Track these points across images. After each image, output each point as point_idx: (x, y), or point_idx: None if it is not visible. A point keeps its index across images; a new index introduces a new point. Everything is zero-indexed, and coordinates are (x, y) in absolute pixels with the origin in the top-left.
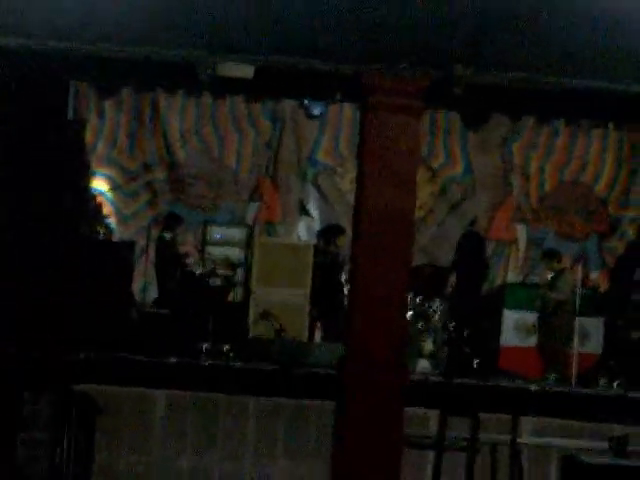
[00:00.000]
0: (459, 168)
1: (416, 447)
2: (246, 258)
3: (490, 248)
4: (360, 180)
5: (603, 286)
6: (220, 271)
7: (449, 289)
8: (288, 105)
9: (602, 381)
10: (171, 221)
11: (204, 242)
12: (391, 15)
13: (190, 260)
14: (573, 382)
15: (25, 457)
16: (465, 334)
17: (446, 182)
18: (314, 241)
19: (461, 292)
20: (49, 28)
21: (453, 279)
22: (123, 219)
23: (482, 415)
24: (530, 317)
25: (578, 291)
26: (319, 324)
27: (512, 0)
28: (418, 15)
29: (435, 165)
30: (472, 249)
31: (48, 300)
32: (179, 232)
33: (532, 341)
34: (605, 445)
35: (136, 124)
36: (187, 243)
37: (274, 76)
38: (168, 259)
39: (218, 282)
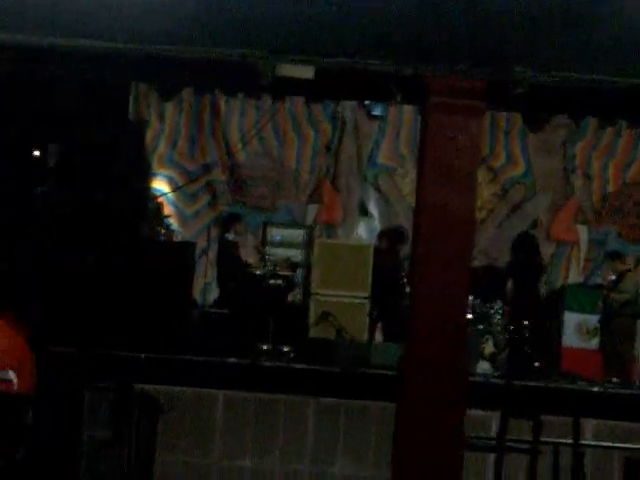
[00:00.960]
0: (520, 169)
1: (477, 450)
2: (306, 259)
3: (551, 249)
4: (420, 181)
5: None
6: (280, 272)
7: (507, 291)
8: (348, 106)
9: None
10: (231, 221)
11: (264, 243)
12: (451, 15)
13: (251, 261)
14: (636, 384)
15: (88, 457)
16: (526, 336)
17: (507, 183)
18: (374, 242)
19: (518, 294)
20: (112, 29)
21: (511, 281)
22: (184, 220)
23: (544, 417)
24: (592, 319)
25: None
26: (380, 325)
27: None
28: (478, 15)
29: (496, 166)
30: (527, 251)
31: (110, 301)
32: (240, 232)
33: (594, 343)
34: None
35: (196, 125)
36: (248, 244)
37: (334, 77)
38: (230, 260)
39: (278, 283)
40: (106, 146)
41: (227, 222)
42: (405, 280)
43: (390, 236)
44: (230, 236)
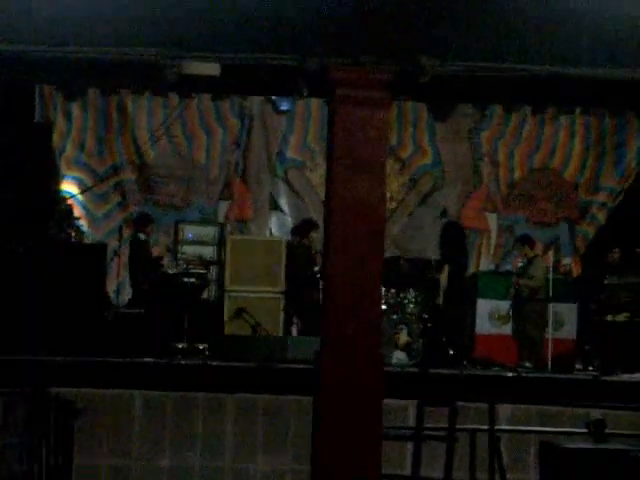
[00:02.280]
0: (428, 158)
1: (395, 439)
2: (219, 256)
3: None
4: (330, 174)
5: (575, 271)
6: (193, 270)
7: (442, 281)
8: (255, 102)
9: (578, 366)
10: (142, 221)
11: (176, 241)
12: (354, 8)
13: (163, 260)
14: (549, 368)
15: (3, 464)
16: (440, 324)
17: (416, 173)
18: (288, 237)
19: (452, 282)
20: (11, 30)
21: (446, 270)
22: (94, 221)
23: (460, 404)
24: (504, 305)
25: (551, 277)
26: (295, 319)
27: None
28: (382, 7)
29: (404, 156)
30: (454, 239)
31: (21, 303)
32: (151, 232)
33: (507, 329)
34: (583, 430)
35: (104, 126)
36: (159, 243)
37: (240, 73)
38: (142, 259)
39: (192, 281)
40: (12, 148)
41: (138, 222)
42: (318, 274)
43: (301, 229)
44: (142, 236)
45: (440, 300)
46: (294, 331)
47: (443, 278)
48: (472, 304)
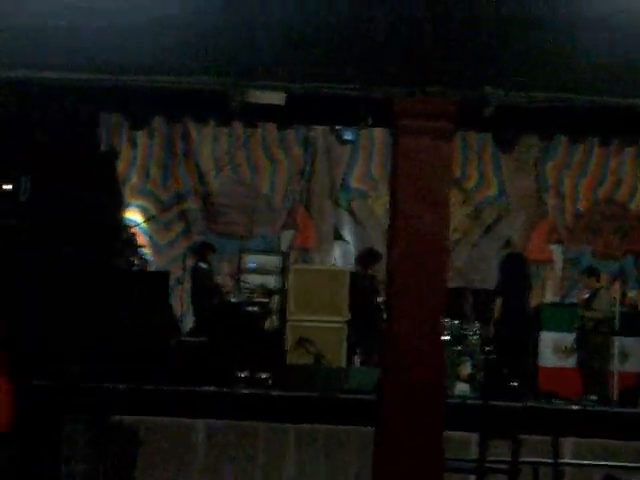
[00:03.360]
0: (493, 189)
1: (457, 471)
2: (282, 285)
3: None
4: (393, 204)
5: None
6: (256, 299)
7: (495, 312)
8: (320, 131)
9: None
10: (204, 250)
11: (239, 270)
12: (419, 38)
13: (226, 289)
14: (613, 402)
15: None
16: (503, 356)
17: (480, 204)
18: (351, 266)
19: (507, 314)
20: (78, 59)
21: (499, 302)
22: (158, 249)
23: (523, 437)
24: (568, 337)
25: (617, 310)
26: (358, 349)
27: (537, 21)
28: (446, 37)
29: (468, 187)
30: (515, 271)
31: (88, 332)
32: (212, 261)
33: (571, 361)
34: None
35: (168, 154)
36: (222, 272)
37: (305, 102)
38: (205, 288)
39: (254, 309)
40: (78, 177)
41: (199, 251)
42: (382, 304)
43: (364, 259)
44: (205, 265)
45: (491, 332)
46: (357, 361)
47: (497, 310)
48: (536, 336)
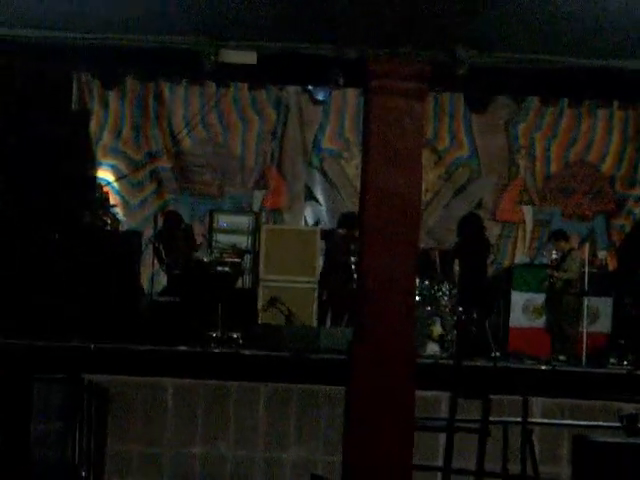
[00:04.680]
0: (464, 150)
1: (427, 430)
2: (253, 245)
3: (497, 230)
4: (365, 165)
5: (611, 265)
6: (228, 259)
7: (455, 272)
8: (292, 91)
9: (611, 360)
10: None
11: (211, 230)
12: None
13: (198, 248)
14: (583, 362)
15: (38, 448)
16: (474, 316)
17: (452, 165)
18: (322, 226)
19: (466, 275)
20: (48, 18)
21: (457, 262)
22: (129, 209)
23: (493, 397)
24: (538, 298)
25: (586, 271)
26: (330, 309)
27: None
28: None
29: (440, 148)
30: (472, 231)
31: (56, 290)
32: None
33: (541, 322)
34: (616, 424)
35: (140, 113)
36: (194, 231)
37: (277, 62)
38: (176, 248)
39: (226, 270)
40: (50, 136)
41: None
42: (354, 264)
43: (348, 221)
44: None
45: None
46: (328, 321)
47: (455, 270)
48: (507, 297)
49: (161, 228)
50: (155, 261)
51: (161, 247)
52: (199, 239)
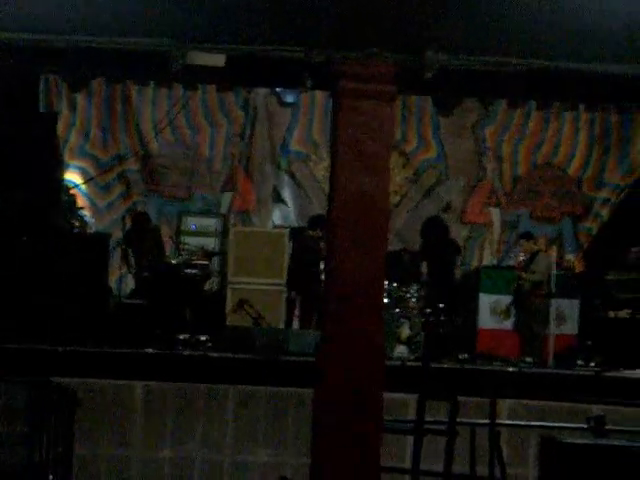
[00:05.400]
0: (432, 153)
1: (395, 432)
2: (221, 247)
3: (465, 232)
4: (333, 167)
5: (578, 267)
6: (196, 261)
7: (423, 275)
8: (260, 93)
9: (579, 362)
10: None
11: (179, 232)
12: (358, 1)
13: (166, 250)
14: (550, 363)
15: (3, 452)
16: (442, 318)
17: (420, 167)
18: (290, 228)
19: (434, 277)
20: (16, 19)
21: (424, 264)
22: (97, 211)
23: (461, 398)
24: (506, 300)
25: (553, 273)
26: (297, 311)
27: None
28: (386, 0)
29: (408, 150)
30: (436, 234)
31: (23, 293)
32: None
33: (508, 323)
34: (583, 425)
35: (108, 116)
36: (163, 234)
37: (245, 64)
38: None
39: (194, 272)
40: (16, 138)
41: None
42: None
43: (317, 223)
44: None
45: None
46: (296, 323)
47: (423, 273)
48: (475, 299)
49: (129, 230)
50: (123, 263)
51: (129, 250)
52: (167, 241)
